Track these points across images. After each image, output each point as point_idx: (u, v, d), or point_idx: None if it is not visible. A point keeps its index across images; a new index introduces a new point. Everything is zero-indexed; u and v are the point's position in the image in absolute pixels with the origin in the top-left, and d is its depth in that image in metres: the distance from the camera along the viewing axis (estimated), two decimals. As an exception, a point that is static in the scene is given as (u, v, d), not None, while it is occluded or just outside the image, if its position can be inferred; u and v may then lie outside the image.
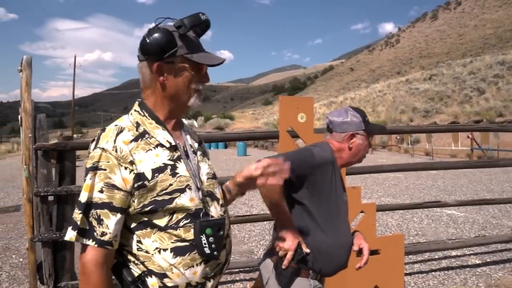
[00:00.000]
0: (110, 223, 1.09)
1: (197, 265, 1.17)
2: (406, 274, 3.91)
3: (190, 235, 1.15)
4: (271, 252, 1.66)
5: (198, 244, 1.15)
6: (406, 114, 29.79)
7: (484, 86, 28.61)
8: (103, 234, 1.08)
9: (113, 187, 1.10)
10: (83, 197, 1.10)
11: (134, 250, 1.15)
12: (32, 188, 2.84)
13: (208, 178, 1.28)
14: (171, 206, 1.13)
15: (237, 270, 4.03)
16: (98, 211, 1.09)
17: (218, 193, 1.30)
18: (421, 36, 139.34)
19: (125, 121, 1.20)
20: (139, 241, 1.15)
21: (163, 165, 1.15)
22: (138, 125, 1.19)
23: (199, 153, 1.31)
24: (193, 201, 1.17)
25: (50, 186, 2.84)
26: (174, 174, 1.16)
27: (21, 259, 4.63)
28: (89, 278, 1.08)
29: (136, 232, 1.15)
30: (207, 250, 1.15)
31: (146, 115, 1.22)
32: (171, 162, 1.17)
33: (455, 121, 23.97)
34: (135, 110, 1.24)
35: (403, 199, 8.33)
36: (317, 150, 1.63)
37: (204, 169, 1.29)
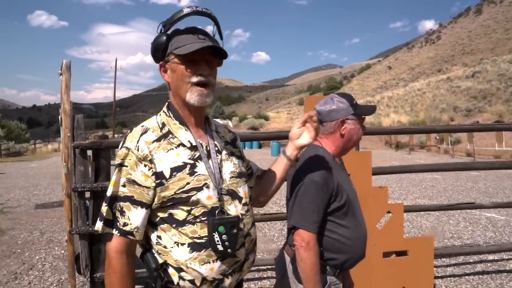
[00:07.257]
0: (132, 215, 1.19)
1: (213, 261, 1.22)
2: (437, 277, 3.81)
3: (205, 231, 1.21)
4: (287, 247, 1.70)
5: (211, 241, 1.20)
6: (447, 113, 28.64)
7: (532, 83, 27.00)
8: (125, 224, 1.19)
9: (134, 182, 1.20)
10: (109, 191, 1.22)
11: (154, 244, 1.24)
12: (70, 184, 3.03)
13: (231, 177, 1.32)
14: (187, 203, 1.20)
15: (265, 267, 4.09)
16: (121, 203, 1.20)
17: (242, 191, 1.34)
18: (464, 32, 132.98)
19: (152, 121, 1.30)
20: (159, 236, 1.23)
21: (182, 164, 1.22)
22: (163, 125, 1.28)
23: (224, 152, 1.35)
24: (210, 199, 1.23)
25: (86, 182, 3.01)
26: (192, 173, 1.22)
27: (62, 251, 4.92)
28: (110, 264, 1.19)
29: (157, 227, 1.23)
30: (220, 247, 1.20)
31: (171, 115, 1.30)
32: (191, 161, 1.24)
33: (499, 120, 22.75)
34: (163, 111, 1.33)
35: (440, 201, 8.06)
36: (318, 177, 1.57)
37: (228, 168, 1.33)
